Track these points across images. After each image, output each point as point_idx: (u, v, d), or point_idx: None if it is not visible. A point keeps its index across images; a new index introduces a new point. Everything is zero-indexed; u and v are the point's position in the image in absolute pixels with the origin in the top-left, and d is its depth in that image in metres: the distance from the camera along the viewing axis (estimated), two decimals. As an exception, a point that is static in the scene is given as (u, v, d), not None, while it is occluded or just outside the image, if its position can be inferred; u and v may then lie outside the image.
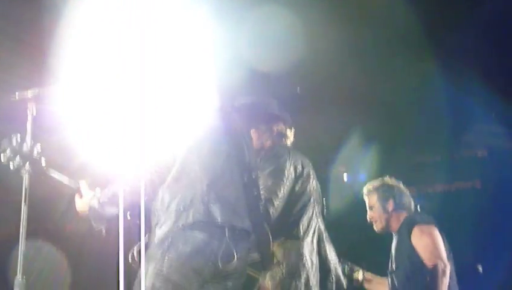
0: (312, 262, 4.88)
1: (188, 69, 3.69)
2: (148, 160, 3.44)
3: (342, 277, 5.13)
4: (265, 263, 3.88)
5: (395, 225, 5.73)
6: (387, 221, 5.75)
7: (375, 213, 5.80)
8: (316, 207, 5.09)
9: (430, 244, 5.42)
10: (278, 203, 4.64)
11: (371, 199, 5.84)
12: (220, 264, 3.41)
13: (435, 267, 5.32)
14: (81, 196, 3.71)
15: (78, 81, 3.79)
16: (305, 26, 7.71)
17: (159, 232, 3.41)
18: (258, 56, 7.59)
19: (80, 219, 3.82)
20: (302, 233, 4.92)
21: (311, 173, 5.11)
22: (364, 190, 5.92)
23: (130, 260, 3.56)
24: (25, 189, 3.57)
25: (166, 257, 3.33)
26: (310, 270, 4.83)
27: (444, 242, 5.54)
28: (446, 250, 5.53)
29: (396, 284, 5.59)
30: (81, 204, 3.69)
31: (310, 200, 5.04)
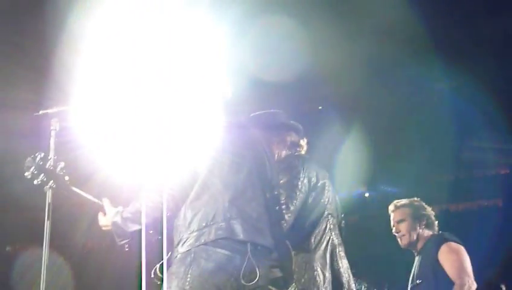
0: (324, 276, 4.83)
1: (205, 83, 3.71)
2: (170, 176, 3.45)
3: None
4: (286, 280, 3.87)
5: (420, 244, 5.74)
6: (415, 238, 5.75)
7: (404, 228, 5.80)
8: (331, 220, 5.03)
9: (458, 261, 5.42)
10: (290, 216, 4.56)
11: (401, 213, 5.84)
12: (242, 281, 3.41)
13: (462, 284, 5.31)
14: (104, 213, 3.73)
15: (100, 99, 3.82)
16: (310, 36, 7.73)
17: (182, 249, 3.41)
18: (265, 67, 7.61)
19: (101, 236, 3.83)
20: (313, 246, 4.87)
21: (326, 184, 5.05)
22: (392, 206, 5.93)
23: (152, 276, 3.56)
24: (48, 205, 3.60)
25: (189, 274, 3.34)
26: (322, 284, 4.79)
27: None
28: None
29: None
30: (105, 220, 3.72)
31: (323, 213, 4.98)
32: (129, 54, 3.75)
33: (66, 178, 3.70)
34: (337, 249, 5.00)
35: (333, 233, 5.01)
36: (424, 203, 5.92)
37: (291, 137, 5.11)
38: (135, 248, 3.85)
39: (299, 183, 4.82)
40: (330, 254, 4.94)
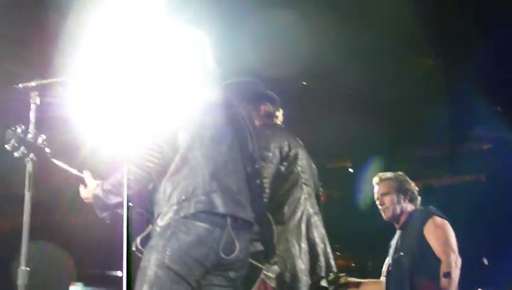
0: (300, 247, 4.80)
1: (188, 61, 3.70)
2: (151, 149, 3.44)
3: (331, 261, 5.04)
4: (268, 253, 3.88)
5: (403, 218, 5.76)
6: (398, 211, 5.77)
7: (388, 200, 5.80)
8: (305, 189, 4.99)
9: (443, 237, 5.45)
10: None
11: (385, 186, 5.84)
12: (222, 254, 3.42)
13: (449, 259, 5.34)
14: (85, 186, 3.72)
15: (80, 73, 3.80)
16: (307, 27, 7.71)
17: (161, 223, 3.41)
18: (260, 57, 7.59)
19: (85, 210, 3.82)
20: (287, 217, 4.84)
21: (299, 153, 5.01)
22: (377, 179, 5.93)
23: (134, 249, 3.57)
24: (29, 175, 3.57)
25: (168, 247, 3.33)
26: (297, 255, 4.76)
27: None
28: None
29: (403, 268, 5.60)
30: (86, 192, 3.71)
31: (297, 182, 4.94)
32: (110, 28, 3.72)
33: (47, 150, 3.69)
34: (313, 219, 4.96)
35: (308, 202, 4.97)
36: (407, 178, 5.94)
37: (266, 107, 5.07)
38: (119, 222, 3.85)
39: (269, 153, 4.79)
40: (306, 223, 4.90)
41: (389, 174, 5.95)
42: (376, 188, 5.92)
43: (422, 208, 5.78)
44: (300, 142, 5.17)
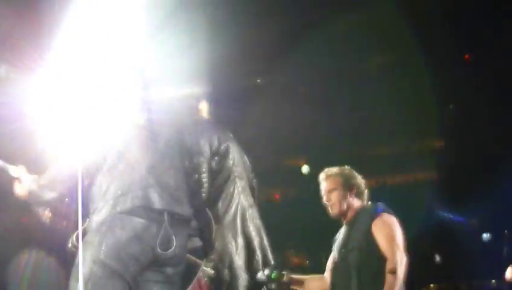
0: (236, 242, 4.79)
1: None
2: (85, 145, 3.39)
3: (269, 255, 5.03)
4: (207, 249, 3.85)
5: (350, 213, 5.76)
6: (345, 207, 5.77)
7: (335, 197, 5.80)
8: (239, 183, 4.98)
9: (390, 235, 5.45)
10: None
11: (332, 182, 5.83)
12: (158, 250, 3.39)
13: (394, 258, 5.36)
14: (20, 181, 3.66)
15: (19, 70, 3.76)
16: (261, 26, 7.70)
17: (97, 218, 3.37)
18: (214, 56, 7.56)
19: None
20: (222, 212, 4.83)
21: (230, 147, 5.00)
22: (323, 175, 5.91)
23: (70, 245, 3.52)
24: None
25: (104, 243, 3.30)
26: (234, 251, 4.75)
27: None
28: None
29: (350, 264, 5.61)
30: (21, 189, 3.64)
31: (229, 176, 4.93)
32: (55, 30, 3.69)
33: None
34: (248, 212, 4.94)
35: (242, 196, 4.96)
36: (354, 172, 5.93)
37: (190, 102, 5.06)
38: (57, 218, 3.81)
39: (200, 149, 4.77)
40: (241, 218, 4.89)
41: (335, 170, 5.94)
42: (323, 185, 5.92)
43: (371, 204, 5.79)
44: (231, 135, 5.16)
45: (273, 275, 5.57)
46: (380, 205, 5.70)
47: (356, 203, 5.77)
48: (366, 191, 5.84)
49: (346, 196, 5.76)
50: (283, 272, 5.78)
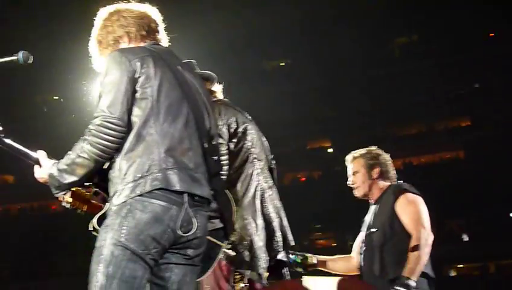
0: (256, 223, 4.80)
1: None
2: (104, 127, 3.39)
3: (289, 235, 5.03)
4: (227, 231, 3.85)
5: (376, 193, 5.75)
6: (370, 188, 5.77)
7: (358, 179, 5.83)
8: (257, 164, 4.99)
9: (414, 213, 5.45)
10: None
11: (355, 164, 5.86)
12: (179, 232, 3.38)
13: (419, 236, 5.34)
14: (40, 166, 3.67)
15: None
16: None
17: (117, 201, 3.37)
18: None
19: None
20: (241, 194, 4.85)
21: (248, 128, 5.01)
22: (349, 157, 5.94)
23: (90, 228, 3.53)
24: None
25: (124, 225, 3.30)
26: (254, 232, 4.76)
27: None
28: (430, 220, 5.56)
29: (374, 244, 5.60)
30: (41, 173, 3.65)
31: (248, 158, 4.95)
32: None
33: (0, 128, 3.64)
34: (267, 193, 4.96)
35: (261, 177, 4.97)
36: (380, 152, 5.91)
37: (207, 85, 5.06)
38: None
39: (219, 130, 4.78)
40: (260, 199, 4.90)
41: (360, 152, 5.94)
42: (348, 167, 5.92)
43: (395, 184, 5.77)
44: (248, 116, 5.16)
45: (298, 260, 5.59)
46: (404, 184, 5.69)
47: (382, 184, 5.75)
48: (392, 171, 5.82)
49: (369, 177, 5.76)
50: (307, 255, 5.79)
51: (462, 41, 34.77)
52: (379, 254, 5.54)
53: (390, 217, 5.54)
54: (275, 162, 5.24)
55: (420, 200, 5.56)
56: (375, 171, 5.79)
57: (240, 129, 4.93)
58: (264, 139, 5.21)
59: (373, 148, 5.98)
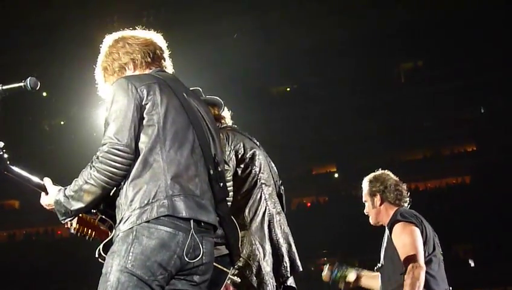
0: (264, 249, 4.79)
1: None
2: (112, 154, 3.40)
3: (297, 261, 5.01)
4: (232, 257, 3.84)
5: (385, 219, 5.73)
6: (377, 216, 5.75)
7: (368, 207, 5.83)
8: (265, 189, 4.99)
9: (407, 244, 5.40)
10: None
11: (364, 192, 5.87)
12: (186, 259, 3.38)
13: (408, 270, 5.31)
14: (46, 193, 3.68)
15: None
16: None
17: (123, 227, 3.37)
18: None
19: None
20: (249, 219, 4.84)
21: (256, 154, 5.02)
22: (362, 183, 5.93)
23: (96, 256, 3.53)
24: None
25: (131, 252, 3.30)
26: (262, 258, 4.75)
27: (429, 238, 5.53)
28: (432, 246, 5.53)
29: (381, 282, 5.63)
30: (47, 199, 3.66)
31: (256, 183, 4.95)
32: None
33: (6, 156, 3.64)
34: (275, 219, 4.95)
35: (269, 202, 4.96)
36: (385, 176, 5.86)
37: (214, 111, 5.08)
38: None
39: (225, 158, 4.79)
40: (268, 224, 4.89)
41: (368, 178, 5.91)
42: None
43: (397, 212, 5.72)
44: (256, 141, 5.17)
45: (338, 275, 5.57)
46: (400, 211, 5.64)
47: (390, 208, 5.72)
48: (398, 193, 5.77)
49: (374, 204, 5.75)
50: (346, 269, 5.75)
51: (467, 67, 34.96)
52: (387, 280, 5.57)
53: (391, 250, 5.55)
54: (283, 187, 5.24)
55: (412, 230, 5.49)
56: (376, 199, 5.77)
57: (248, 155, 4.94)
58: (272, 164, 5.22)
59: (378, 172, 5.95)
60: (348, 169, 35.55)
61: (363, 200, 5.88)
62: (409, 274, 5.27)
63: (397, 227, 5.51)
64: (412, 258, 5.32)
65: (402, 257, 5.37)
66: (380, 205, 5.75)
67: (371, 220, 5.85)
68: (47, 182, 3.69)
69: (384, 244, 5.74)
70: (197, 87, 5.02)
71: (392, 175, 5.90)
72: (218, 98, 5.20)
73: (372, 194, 5.79)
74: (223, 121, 5.15)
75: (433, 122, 35.91)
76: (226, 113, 5.23)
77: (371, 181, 5.86)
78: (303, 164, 36.17)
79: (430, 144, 35.85)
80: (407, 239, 5.42)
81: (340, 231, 28.70)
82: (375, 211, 5.78)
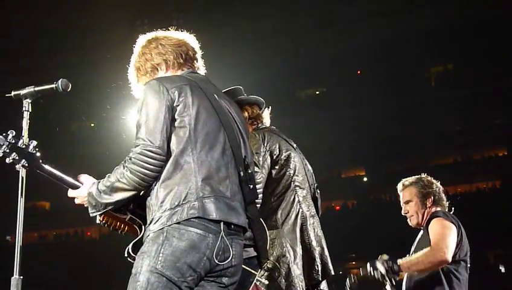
0: (295, 251, 4.76)
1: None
2: (143, 155, 3.42)
3: (329, 264, 4.96)
4: (261, 259, 3.84)
5: (424, 220, 5.71)
6: (423, 217, 5.72)
7: (412, 208, 5.78)
8: (299, 192, 4.96)
9: (440, 234, 5.38)
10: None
11: (408, 193, 5.81)
12: (215, 260, 3.39)
13: (438, 248, 5.28)
14: (78, 186, 3.71)
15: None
16: None
17: (154, 228, 3.39)
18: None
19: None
20: (281, 221, 4.82)
21: (291, 156, 4.99)
22: (400, 186, 5.89)
23: (125, 255, 3.55)
24: (21, 181, 3.62)
25: (161, 253, 3.31)
26: (292, 260, 4.72)
27: (464, 243, 5.50)
28: (464, 252, 5.50)
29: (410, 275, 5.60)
30: (80, 191, 3.68)
31: (290, 185, 4.93)
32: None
33: (38, 155, 3.68)
34: (308, 222, 4.91)
35: (303, 205, 4.93)
36: (431, 180, 5.85)
37: (253, 110, 5.08)
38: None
39: (260, 159, 4.78)
40: (300, 227, 4.86)
41: (411, 179, 5.88)
42: (400, 196, 5.87)
43: (438, 210, 5.68)
44: (293, 144, 5.15)
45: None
46: (442, 211, 5.61)
47: (434, 210, 5.70)
48: (444, 197, 5.76)
49: (423, 206, 5.71)
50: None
51: (498, 70, 34.65)
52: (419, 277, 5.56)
53: (427, 242, 5.52)
54: (319, 191, 5.22)
55: (450, 225, 5.47)
56: (429, 201, 5.74)
57: (283, 156, 4.93)
58: (309, 167, 5.20)
59: (424, 175, 5.92)
60: (377, 173, 35.46)
61: (406, 200, 5.81)
62: (431, 251, 5.24)
63: (435, 221, 5.49)
64: (440, 245, 5.30)
65: (433, 240, 5.34)
66: (431, 206, 5.72)
67: (413, 221, 5.79)
68: (84, 176, 3.72)
69: (417, 240, 5.72)
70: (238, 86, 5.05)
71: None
72: (260, 97, 5.19)
73: (425, 196, 5.74)
74: (260, 120, 5.14)
75: (464, 126, 35.72)
76: (266, 114, 5.22)
77: (421, 183, 5.81)
78: (332, 167, 36.09)
79: (460, 148, 35.72)
80: (442, 231, 5.41)
81: (368, 235, 28.58)
82: (423, 211, 5.74)
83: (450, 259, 5.31)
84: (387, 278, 5.33)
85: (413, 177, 5.91)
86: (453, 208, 5.82)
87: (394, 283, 5.44)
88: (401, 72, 35.75)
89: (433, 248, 5.28)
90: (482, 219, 27.86)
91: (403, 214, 5.85)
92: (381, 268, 5.25)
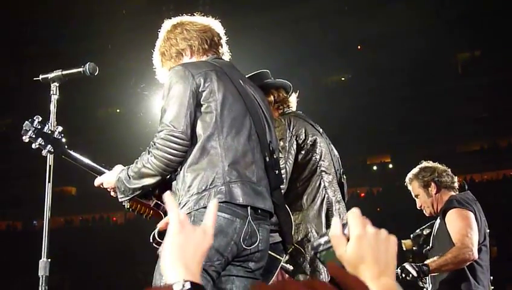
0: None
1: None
2: (169, 141, 3.43)
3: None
4: (285, 245, 3.83)
5: (440, 206, 5.67)
6: (433, 205, 5.69)
7: (421, 200, 5.75)
8: (325, 177, 4.93)
9: (462, 228, 5.34)
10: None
11: (413, 187, 5.79)
12: (243, 245, 3.39)
13: (463, 245, 5.25)
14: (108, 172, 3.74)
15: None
16: None
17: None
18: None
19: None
20: (306, 206, 4.80)
21: (317, 141, 4.95)
22: (407, 180, 5.86)
23: (151, 240, 3.56)
24: (49, 167, 3.63)
25: None
26: None
27: (481, 228, 5.45)
28: (483, 236, 5.46)
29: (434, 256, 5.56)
30: (110, 176, 3.70)
31: (316, 170, 4.89)
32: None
33: (63, 140, 3.70)
34: (334, 207, 4.88)
35: (329, 190, 4.90)
36: (431, 164, 5.80)
37: (280, 94, 5.05)
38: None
39: (286, 144, 4.75)
40: (326, 212, 4.84)
41: (412, 173, 5.83)
42: (411, 190, 5.85)
43: (451, 198, 5.64)
44: (319, 128, 5.12)
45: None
46: (455, 199, 5.55)
47: (445, 194, 5.65)
48: (450, 179, 5.69)
49: (428, 195, 5.67)
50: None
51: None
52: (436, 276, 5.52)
53: (443, 235, 5.49)
54: (345, 177, 5.18)
55: (468, 216, 5.42)
56: (432, 188, 5.70)
57: (309, 141, 4.90)
58: (335, 152, 5.16)
59: (424, 163, 5.87)
60: (403, 160, 35.31)
61: (414, 195, 5.80)
62: (459, 250, 5.21)
63: (452, 212, 5.44)
64: (465, 242, 5.26)
65: (456, 237, 5.30)
66: (436, 192, 5.68)
67: (427, 212, 5.77)
68: (118, 167, 3.73)
69: (435, 229, 5.68)
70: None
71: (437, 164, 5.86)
72: (286, 81, 5.16)
73: (425, 185, 5.71)
74: (287, 105, 5.10)
75: (490, 113, 35.42)
76: (293, 98, 5.18)
77: (419, 174, 5.78)
78: (357, 154, 35.96)
79: (487, 135, 35.44)
80: (462, 224, 5.35)
81: (393, 222, 28.48)
82: (431, 200, 5.70)
83: (477, 255, 5.28)
84: (421, 282, 5.38)
85: (415, 169, 5.86)
86: (466, 186, 5.77)
87: (426, 282, 5.45)
88: (428, 58, 35.51)
89: (460, 247, 5.24)
90: (509, 206, 27.71)
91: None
92: (412, 271, 5.22)
